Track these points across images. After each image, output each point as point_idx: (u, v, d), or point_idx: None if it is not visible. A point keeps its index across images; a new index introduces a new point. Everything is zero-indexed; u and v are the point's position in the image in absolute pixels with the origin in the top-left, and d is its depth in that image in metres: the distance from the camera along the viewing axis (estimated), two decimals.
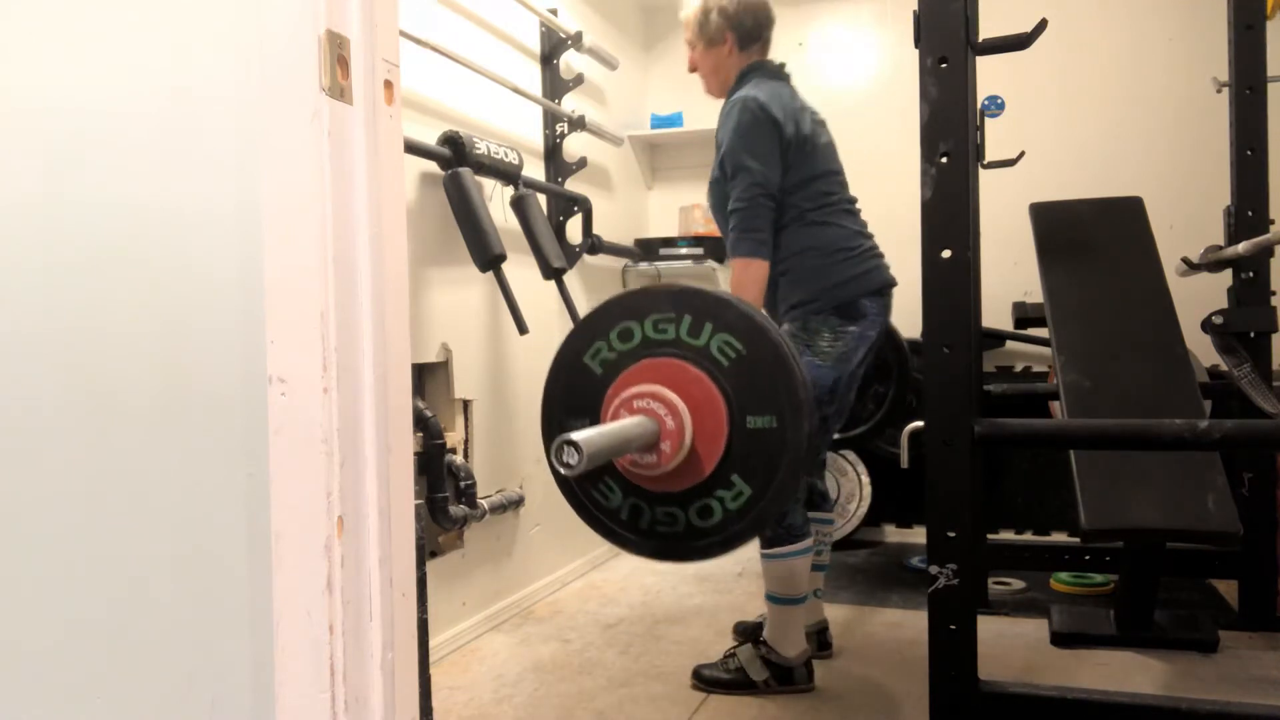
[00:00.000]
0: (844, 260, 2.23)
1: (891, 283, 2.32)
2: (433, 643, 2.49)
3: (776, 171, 2.21)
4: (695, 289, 1.63)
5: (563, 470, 1.39)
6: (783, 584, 2.24)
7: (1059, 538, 3.59)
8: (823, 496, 2.53)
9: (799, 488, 1.61)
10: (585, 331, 1.71)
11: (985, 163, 3.03)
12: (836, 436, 2.97)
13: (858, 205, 2.37)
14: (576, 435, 1.38)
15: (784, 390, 1.55)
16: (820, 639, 2.48)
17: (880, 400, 3.13)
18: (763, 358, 1.57)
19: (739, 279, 2.21)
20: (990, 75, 3.06)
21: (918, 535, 3.81)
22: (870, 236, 2.35)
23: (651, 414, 1.57)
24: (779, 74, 2.37)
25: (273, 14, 1.00)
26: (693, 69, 2.46)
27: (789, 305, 2.26)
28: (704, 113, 4.02)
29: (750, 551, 3.73)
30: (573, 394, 1.71)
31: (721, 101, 2.40)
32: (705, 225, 3.88)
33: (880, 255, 2.33)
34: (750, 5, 2.34)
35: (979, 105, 3.04)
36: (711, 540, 1.62)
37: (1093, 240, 2.79)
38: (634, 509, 1.67)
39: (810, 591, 2.36)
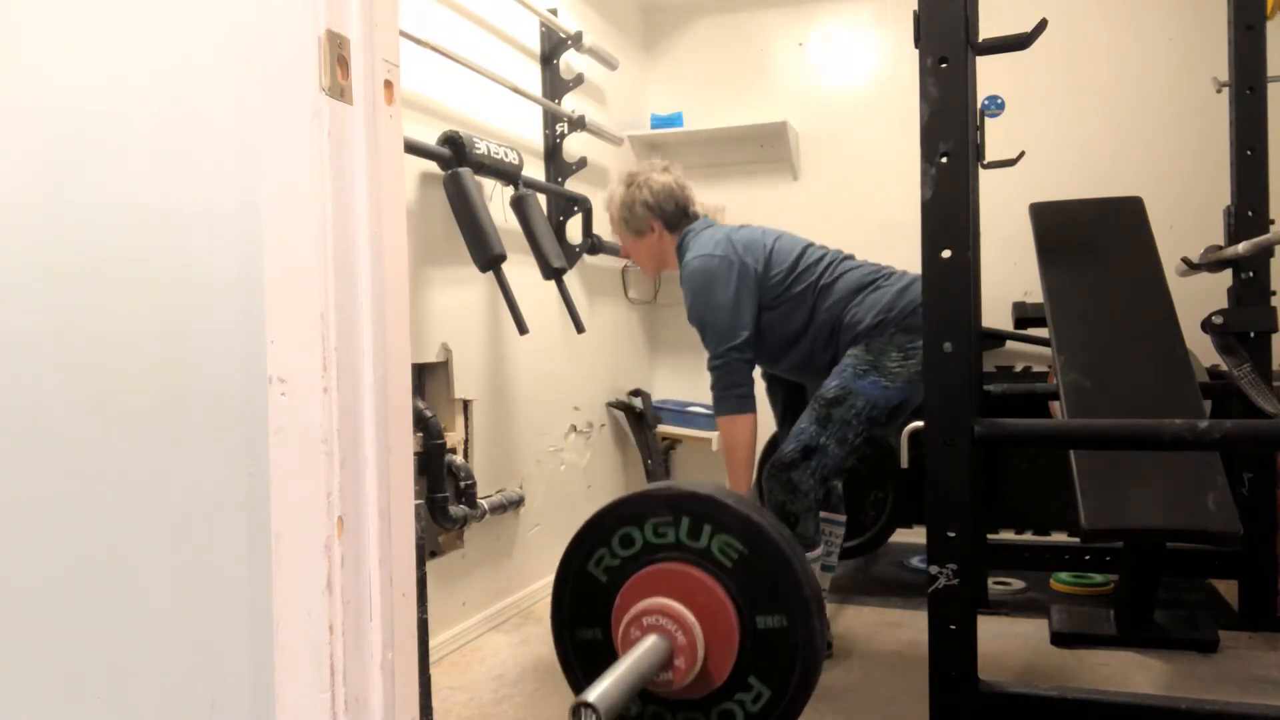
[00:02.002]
0: (885, 282, 2.30)
1: None
2: (433, 643, 2.49)
3: (744, 310, 2.30)
4: (690, 491, 1.65)
5: None
6: None
7: (1059, 538, 3.58)
8: (839, 498, 2.54)
9: (816, 683, 1.64)
10: (587, 539, 1.73)
11: (985, 163, 3.02)
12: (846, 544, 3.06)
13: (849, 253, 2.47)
14: (591, 694, 1.37)
15: (790, 588, 1.57)
16: None
17: (881, 506, 3.15)
18: (764, 557, 1.59)
19: (728, 438, 2.29)
20: (990, 75, 3.06)
21: (918, 535, 3.80)
22: (879, 265, 2.42)
23: (662, 631, 1.57)
24: (706, 222, 2.50)
25: (273, 14, 1.00)
26: (625, 256, 2.62)
27: (849, 340, 2.29)
28: (704, 113, 4.05)
29: None
30: (581, 604, 1.73)
31: (653, 279, 2.55)
32: None
33: (907, 271, 2.39)
34: (669, 191, 2.48)
35: (979, 105, 3.04)
36: None
37: (1093, 240, 2.79)
38: (655, 717, 1.67)
39: None
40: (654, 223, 2.45)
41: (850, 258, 2.41)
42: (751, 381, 2.30)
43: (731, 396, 2.26)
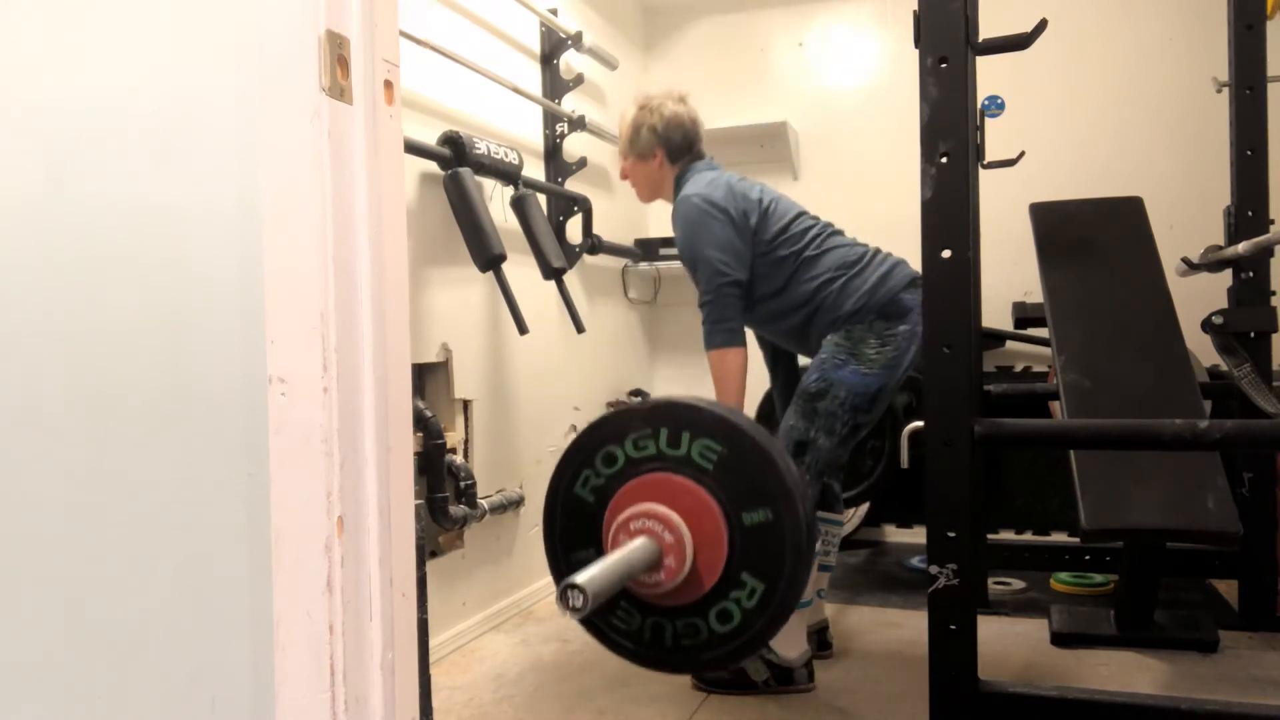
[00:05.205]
0: (866, 266, 2.29)
1: (920, 275, 2.35)
2: (433, 643, 2.49)
3: (736, 254, 2.28)
4: (667, 402, 1.66)
5: (570, 615, 1.38)
6: None
7: (1059, 538, 3.58)
8: (835, 497, 2.54)
9: (809, 574, 1.63)
10: (570, 463, 1.75)
11: (985, 163, 3.02)
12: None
13: (839, 228, 2.43)
14: (579, 577, 1.38)
15: (772, 481, 1.57)
16: (820, 639, 2.48)
17: (879, 455, 3.15)
18: (744, 454, 1.59)
19: (718, 372, 2.27)
20: (990, 75, 3.06)
21: (918, 535, 3.80)
22: (867, 246, 2.38)
23: (650, 533, 1.58)
24: (710, 164, 2.48)
25: (273, 14, 1.00)
26: (624, 177, 2.56)
27: (828, 324, 2.28)
28: (704, 113, 3.99)
29: None
30: (572, 527, 1.76)
31: (650, 206, 2.60)
32: None
33: (892, 255, 2.37)
34: (679, 122, 2.44)
35: (979, 105, 3.04)
36: (738, 642, 1.62)
37: (1093, 240, 2.79)
38: (655, 627, 1.67)
39: (815, 593, 2.36)
40: (658, 149, 2.44)
41: (839, 233, 2.39)
42: (741, 316, 2.30)
43: (721, 331, 2.26)
